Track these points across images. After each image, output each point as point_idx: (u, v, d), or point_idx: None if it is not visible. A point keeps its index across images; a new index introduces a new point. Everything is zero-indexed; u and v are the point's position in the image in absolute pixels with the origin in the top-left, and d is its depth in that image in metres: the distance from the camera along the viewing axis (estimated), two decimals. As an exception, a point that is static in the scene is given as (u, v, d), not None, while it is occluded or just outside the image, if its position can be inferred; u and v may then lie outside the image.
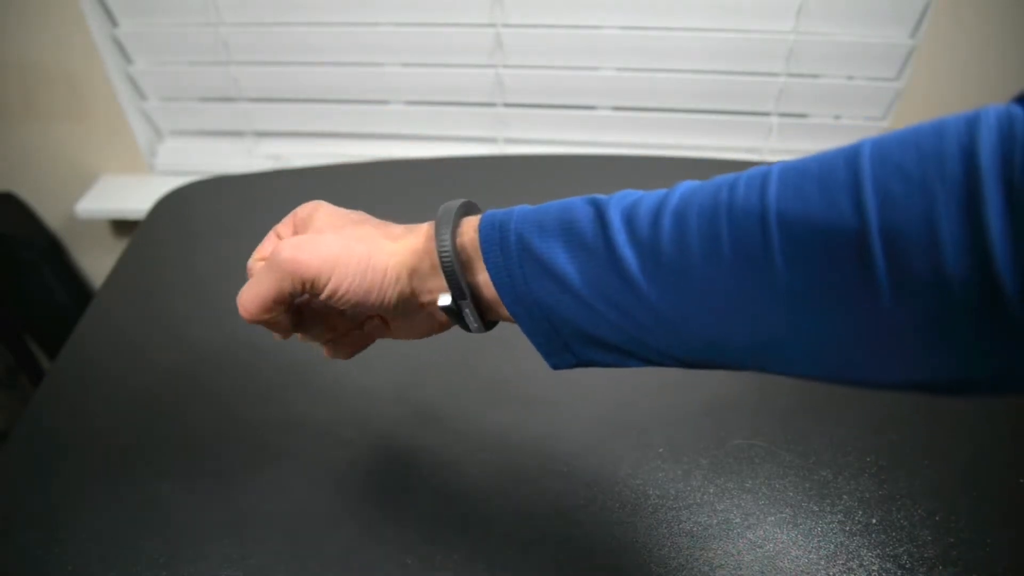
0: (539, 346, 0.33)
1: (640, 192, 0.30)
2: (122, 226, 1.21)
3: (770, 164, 0.26)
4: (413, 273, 0.34)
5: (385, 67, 1.05)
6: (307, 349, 0.45)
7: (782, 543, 0.42)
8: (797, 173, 0.24)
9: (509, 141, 1.12)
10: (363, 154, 1.11)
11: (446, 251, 0.32)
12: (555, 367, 0.34)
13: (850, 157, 0.23)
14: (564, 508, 0.45)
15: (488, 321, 0.35)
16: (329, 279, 0.33)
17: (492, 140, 1.13)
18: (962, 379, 0.23)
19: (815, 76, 0.99)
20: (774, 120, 1.04)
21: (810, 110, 1.04)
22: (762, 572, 0.41)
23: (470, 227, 0.33)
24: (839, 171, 0.23)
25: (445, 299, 0.33)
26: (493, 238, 0.31)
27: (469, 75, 1.04)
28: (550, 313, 0.31)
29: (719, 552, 0.42)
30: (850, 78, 0.99)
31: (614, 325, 0.29)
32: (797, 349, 0.25)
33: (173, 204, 0.79)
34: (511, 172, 0.82)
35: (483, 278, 0.32)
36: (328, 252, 0.33)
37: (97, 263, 1.27)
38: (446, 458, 0.48)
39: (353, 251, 0.33)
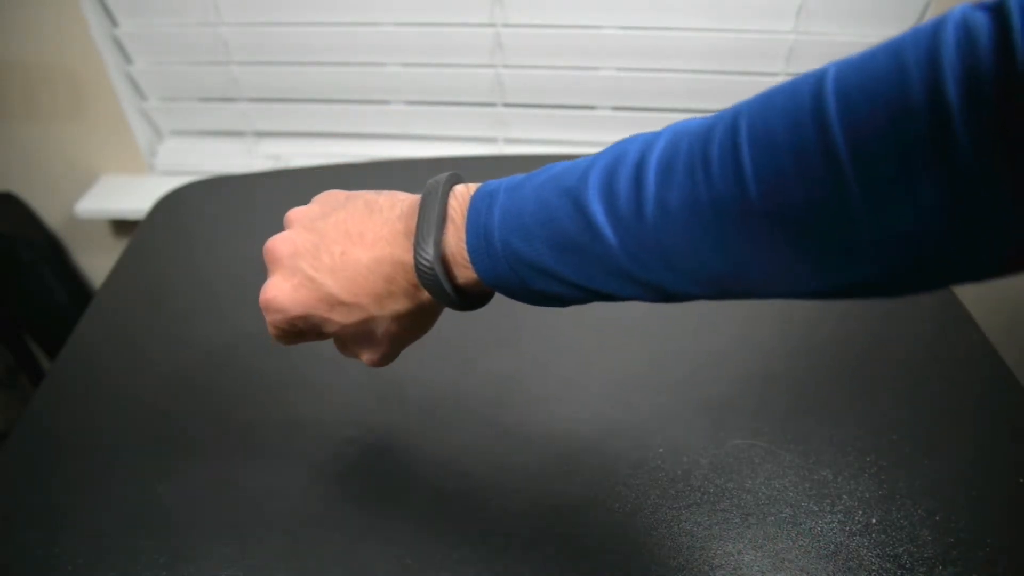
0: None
1: (611, 160, 0.29)
2: (122, 226, 1.21)
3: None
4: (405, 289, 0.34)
5: (385, 67, 1.05)
6: (307, 349, 0.45)
7: (782, 543, 0.42)
8: (768, 146, 0.24)
9: (509, 141, 1.12)
10: (363, 154, 1.11)
11: (428, 266, 0.32)
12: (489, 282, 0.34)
13: (818, 117, 0.23)
14: (564, 508, 0.45)
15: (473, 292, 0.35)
16: (323, 318, 0.35)
17: (492, 140, 1.12)
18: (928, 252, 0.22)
19: (815, 76, 0.99)
20: (774, 120, 1.04)
21: (810, 110, 1.04)
22: (762, 572, 0.41)
23: (454, 238, 0.32)
24: (810, 140, 0.23)
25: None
26: (480, 247, 0.32)
27: (469, 75, 1.04)
28: (548, 296, 0.32)
29: (719, 552, 0.42)
30: (850, 78, 0.99)
31: (586, 277, 0.30)
32: (765, 261, 0.26)
33: (173, 204, 0.79)
34: (511, 172, 0.82)
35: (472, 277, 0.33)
36: (300, 300, 0.35)
37: (97, 263, 1.27)
38: (446, 458, 0.48)
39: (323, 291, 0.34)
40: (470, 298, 0.34)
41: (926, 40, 0.21)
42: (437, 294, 0.33)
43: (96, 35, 1.01)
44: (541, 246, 0.30)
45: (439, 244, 0.32)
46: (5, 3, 0.98)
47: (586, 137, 1.10)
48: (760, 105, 0.25)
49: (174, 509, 0.45)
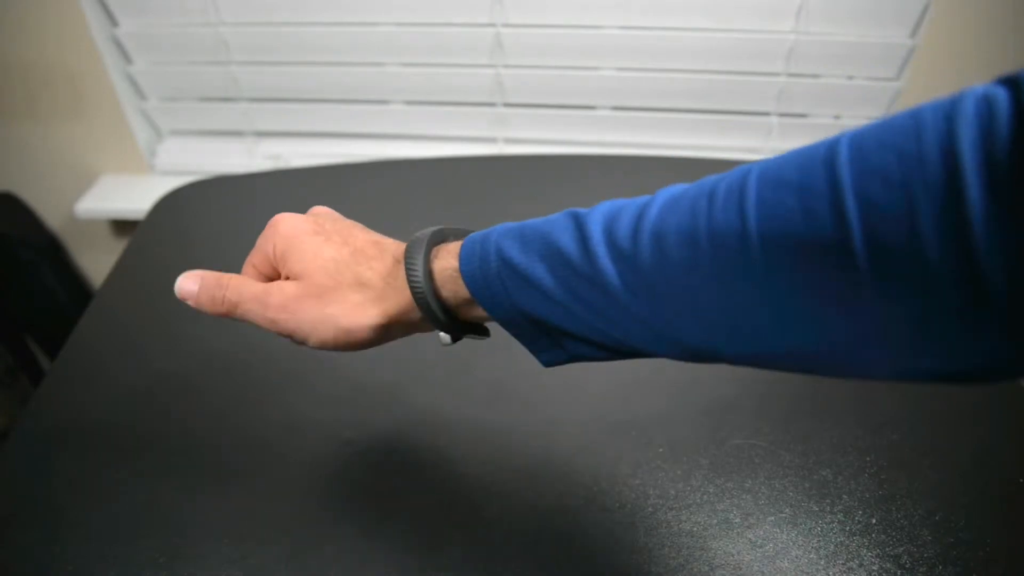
0: (528, 344, 0.33)
1: (621, 201, 0.30)
2: (122, 226, 1.21)
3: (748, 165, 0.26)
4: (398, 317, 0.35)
5: (385, 67, 1.05)
6: (308, 350, 0.45)
7: (782, 543, 0.42)
8: (775, 182, 0.24)
9: (509, 141, 1.12)
10: (363, 154, 1.11)
11: (418, 284, 0.33)
12: (547, 364, 0.34)
13: (828, 161, 0.23)
14: (564, 508, 0.45)
15: (467, 323, 0.36)
16: (308, 339, 0.35)
17: (492, 140, 1.13)
18: (950, 372, 0.23)
19: (815, 76, 0.99)
20: (774, 120, 1.04)
21: (810, 110, 1.04)
22: (762, 572, 0.41)
23: (448, 251, 0.34)
24: (818, 179, 0.23)
25: (445, 338, 0.35)
26: (474, 251, 0.32)
27: (469, 75, 1.04)
28: (534, 317, 0.31)
29: (719, 552, 0.42)
30: (850, 78, 0.99)
31: (599, 331, 0.30)
32: (782, 351, 0.26)
33: (173, 204, 0.79)
34: (511, 172, 0.82)
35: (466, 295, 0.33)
36: (307, 319, 0.35)
37: (97, 263, 1.27)
38: (446, 458, 0.48)
39: (328, 318, 0.34)
40: (453, 319, 0.34)
41: (945, 104, 0.21)
42: (419, 296, 0.33)
43: (96, 35, 1.01)
44: (535, 256, 0.30)
45: (428, 257, 0.33)
46: (5, 3, 0.98)
47: (586, 137, 1.10)
48: (775, 157, 0.25)
49: (174, 509, 0.45)
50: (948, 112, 0.21)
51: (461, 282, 0.32)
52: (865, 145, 0.22)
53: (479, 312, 0.33)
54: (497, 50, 1.01)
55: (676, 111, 1.06)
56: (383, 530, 0.44)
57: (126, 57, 1.07)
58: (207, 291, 0.37)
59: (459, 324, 0.35)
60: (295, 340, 0.36)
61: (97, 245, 1.24)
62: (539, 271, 0.30)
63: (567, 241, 0.29)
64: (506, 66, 1.03)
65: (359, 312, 0.34)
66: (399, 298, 0.34)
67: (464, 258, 0.32)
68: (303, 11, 1.00)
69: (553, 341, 0.32)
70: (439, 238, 0.34)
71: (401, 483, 0.47)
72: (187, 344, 0.58)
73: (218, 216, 0.76)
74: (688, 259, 0.26)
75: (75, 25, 1.00)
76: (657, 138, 1.09)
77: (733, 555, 0.42)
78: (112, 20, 1.04)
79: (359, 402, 0.52)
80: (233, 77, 1.07)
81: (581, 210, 0.30)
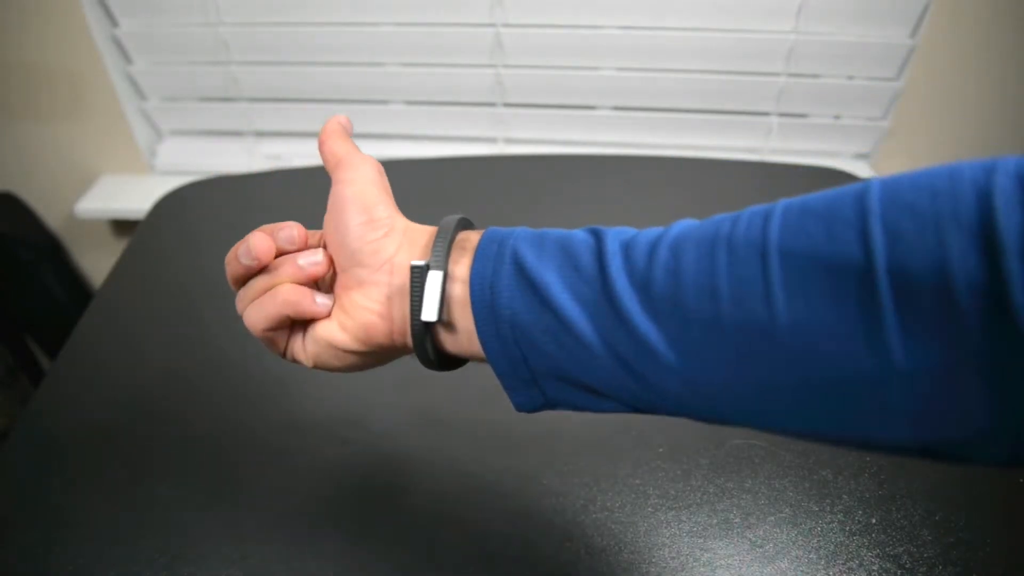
0: (504, 376, 0.30)
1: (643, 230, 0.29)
2: (122, 226, 1.21)
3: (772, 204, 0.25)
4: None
5: (385, 67, 1.05)
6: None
7: (782, 543, 0.42)
8: (801, 210, 0.24)
9: (509, 141, 1.12)
10: (363, 154, 1.11)
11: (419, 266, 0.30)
12: (519, 407, 0.31)
13: (858, 194, 0.22)
14: (564, 508, 0.45)
15: (446, 356, 0.32)
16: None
17: (492, 140, 1.13)
18: (976, 437, 0.21)
19: (815, 76, 0.99)
20: (774, 120, 1.04)
21: (810, 110, 1.04)
22: (762, 572, 0.41)
23: (459, 255, 0.31)
24: (846, 208, 0.22)
25: (430, 312, 0.30)
26: (489, 252, 0.30)
27: (469, 75, 1.04)
28: (523, 335, 0.28)
29: (719, 552, 0.42)
30: (850, 78, 0.99)
31: (594, 357, 0.27)
32: (789, 397, 0.24)
33: (173, 204, 0.79)
34: (511, 172, 0.82)
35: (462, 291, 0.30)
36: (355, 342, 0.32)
37: (97, 263, 1.27)
38: (446, 458, 0.48)
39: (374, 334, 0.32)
40: (452, 329, 0.31)
41: (985, 161, 0.21)
42: (415, 286, 0.30)
43: (96, 35, 1.01)
44: (549, 263, 0.28)
45: (444, 258, 0.30)
46: (5, 3, 0.98)
47: (586, 137, 1.10)
48: (802, 196, 0.25)
49: (174, 509, 0.45)
50: (986, 165, 0.20)
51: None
52: (898, 184, 0.22)
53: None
54: (497, 50, 1.01)
55: (676, 111, 1.06)
56: (383, 530, 0.44)
57: (126, 57, 1.07)
58: None
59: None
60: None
61: (97, 245, 1.24)
62: (549, 277, 0.28)
63: (583, 251, 0.28)
64: (506, 66, 1.03)
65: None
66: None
67: (479, 252, 0.30)
68: (303, 11, 1.00)
69: (532, 376, 0.29)
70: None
71: (401, 483, 0.47)
72: (187, 344, 0.58)
73: (218, 216, 0.76)
74: (703, 274, 0.25)
75: (75, 25, 1.00)
76: (657, 138, 1.09)
77: (733, 555, 0.42)
78: (112, 20, 1.04)
79: (359, 402, 0.52)
80: (233, 77, 1.07)
81: (602, 227, 0.29)
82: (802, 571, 0.41)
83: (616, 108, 1.08)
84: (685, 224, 0.27)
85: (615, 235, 0.28)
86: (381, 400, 0.52)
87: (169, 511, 0.45)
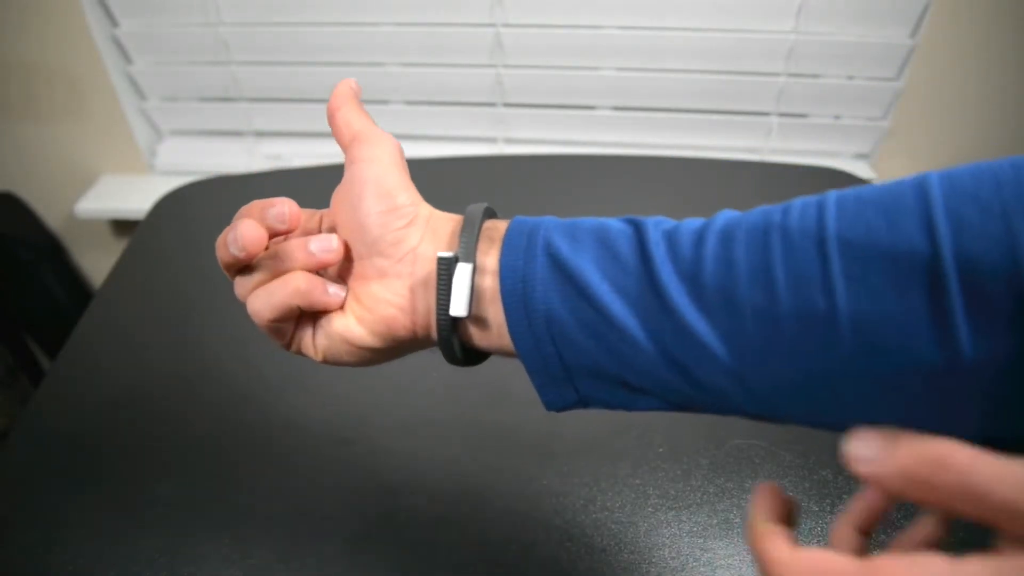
0: (535, 373, 0.29)
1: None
2: (122, 226, 1.21)
3: (820, 196, 0.24)
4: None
5: (385, 67, 1.05)
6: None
7: (782, 543, 0.42)
8: (856, 199, 0.23)
9: (509, 141, 1.12)
10: (363, 154, 1.11)
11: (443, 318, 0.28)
12: (549, 405, 0.30)
13: (916, 185, 0.22)
14: (564, 508, 0.45)
15: (473, 351, 0.31)
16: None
17: (492, 140, 1.13)
18: None
19: (815, 76, 0.99)
20: (774, 120, 1.04)
21: (810, 110, 1.04)
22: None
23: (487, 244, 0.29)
24: (905, 197, 0.22)
25: (458, 307, 0.28)
26: (519, 244, 0.28)
27: (469, 75, 1.04)
28: (558, 330, 0.27)
29: (719, 552, 0.42)
30: (850, 78, 0.99)
31: (637, 352, 0.25)
32: (849, 391, 0.23)
33: (173, 204, 0.79)
34: (511, 172, 0.82)
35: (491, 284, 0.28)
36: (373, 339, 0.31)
37: (97, 263, 1.27)
38: (445, 458, 0.48)
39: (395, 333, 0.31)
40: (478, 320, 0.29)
41: None
42: (443, 284, 0.28)
43: (96, 35, 1.01)
44: (586, 253, 0.27)
45: (472, 250, 0.28)
46: (5, 3, 0.98)
47: (586, 137, 1.10)
48: (853, 187, 0.24)
49: (174, 509, 0.45)
50: None
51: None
52: (957, 175, 0.21)
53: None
54: (497, 50, 1.01)
55: (676, 111, 1.06)
56: (383, 530, 0.44)
57: (126, 57, 1.07)
58: None
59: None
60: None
61: (97, 245, 1.24)
62: (587, 268, 0.26)
63: (622, 241, 0.26)
64: (506, 66, 1.03)
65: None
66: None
67: (506, 251, 0.28)
68: (303, 11, 1.00)
69: (567, 373, 0.28)
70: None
71: (401, 483, 0.47)
72: (187, 344, 0.58)
73: (218, 216, 0.76)
74: (757, 265, 0.23)
75: (75, 25, 1.00)
76: (657, 138, 1.09)
77: (733, 555, 0.42)
78: (112, 20, 1.04)
79: (359, 402, 0.52)
80: (233, 77, 1.07)
81: (638, 217, 0.27)
82: (802, 571, 0.41)
83: (616, 108, 1.08)
84: (729, 214, 0.26)
85: (655, 224, 0.27)
86: (381, 400, 0.52)
87: (169, 511, 0.45)
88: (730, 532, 0.43)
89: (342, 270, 0.32)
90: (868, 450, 0.22)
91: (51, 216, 1.21)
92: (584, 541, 0.43)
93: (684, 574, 0.41)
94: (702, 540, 0.43)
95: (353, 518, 0.44)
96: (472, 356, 0.31)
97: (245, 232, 0.30)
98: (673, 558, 0.42)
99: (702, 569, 0.41)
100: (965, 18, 0.91)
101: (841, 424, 0.24)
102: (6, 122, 1.11)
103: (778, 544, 0.23)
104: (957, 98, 0.98)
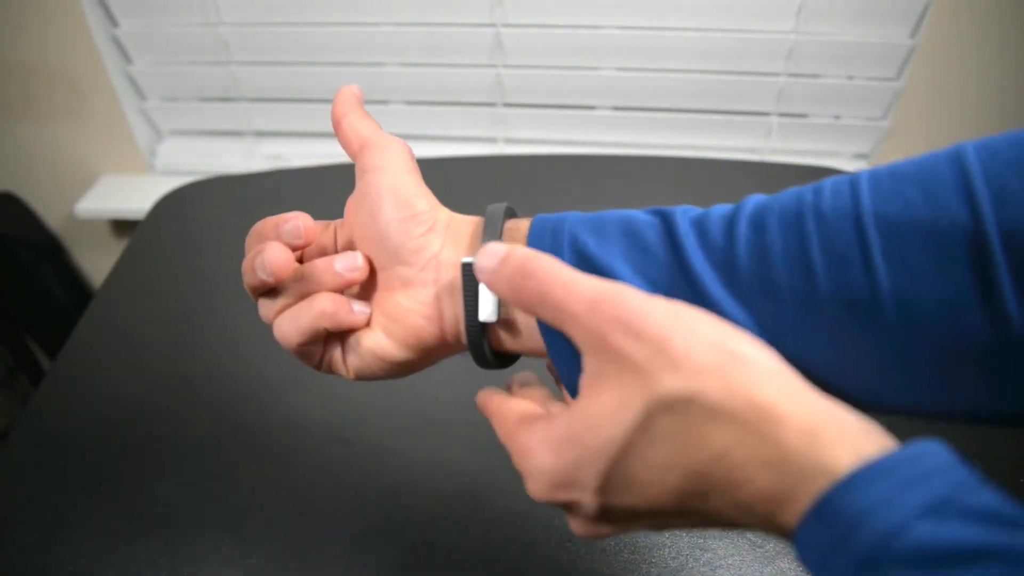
0: (568, 375, 0.27)
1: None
2: (122, 226, 1.21)
3: (831, 175, 0.24)
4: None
5: (385, 67, 1.05)
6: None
7: (782, 543, 0.42)
8: (891, 175, 0.22)
9: (509, 141, 1.12)
10: (363, 154, 1.11)
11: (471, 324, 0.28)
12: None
13: (952, 156, 0.21)
14: (564, 508, 0.45)
15: (502, 353, 0.30)
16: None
17: (492, 140, 1.13)
18: None
19: (815, 76, 0.99)
20: (774, 120, 1.04)
21: (810, 110, 1.04)
22: (762, 572, 0.41)
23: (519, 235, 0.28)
24: (940, 169, 0.21)
25: (487, 312, 0.27)
26: (544, 242, 0.27)
27: (469, 75, 1.04)
28: None
29: (719, 552, 0.42)
30: (850, 78, 0.99)
31: None
32: (895, 373, 0.22)
33: (173, 204, 0.79)
34: (511, 172, 0.82)
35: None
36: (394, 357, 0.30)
37: (97, 263, 1.27)
38: (445, 458, 0.48)
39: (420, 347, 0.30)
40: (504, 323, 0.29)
41: None
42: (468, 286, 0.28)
43: (96, 35, 1.01)
44: (614, 247, 0.26)
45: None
46: (5, 3, 0.98)
47: (586, 137, 1.10)
48: (887, 163, 0.24)
49: (174, 509, 0.45)
50: None
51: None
52: (994, 143, 0.21)
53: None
54: (497, 50, 1.01)
55: (676, 111, 1.06)
56: (383, 530, 0.44)
57: (126, 57, 1.07)
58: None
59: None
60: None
61: (97, 245, 1.24)
62: (617, 263, 0.26)
63: (649, 232, 0.26)
64: (506, 66, 1.03)
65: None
66: None
67: (533, 233, 0.28)
68: (303, 11, 1.00)
69: None
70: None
71: (401, 483, 0.47)
72: (187, 344, 0.58)
73: (218, 216, 0.76)
74: (793, 249, 0.23)
75: (75, 25, 1.00)
76: (657, 138, 1.09)
77: (733, 555, 0.42)
78: (112, 20, 1.04)
79: (359, 402, 0.52)
80: (233, 77, 1.07)
81: (663, 207, 0.27)
82: (803, 571, 0.41)
83: (616, 108, 1.08)
84: (758, 198, 0.25)
85: (682, 213, 0.26)
86: (381, 400, 0.52)
87: (169, 511, 0.45)
88: (730, 532, 0.43)
89: (364, 283, 0.31)
90: (489, 261, 0.25)
91: (51, 216, 1.21)
92: (584, 541, 0.43)
93: (684, 574, 0.41)
94: (702, 540, 0.43)
95: (353, 518, 0.44)
96: (503, 358, 0.31)
97: (272, 257, 0.28)
98: (673, 558, 0.42)
99: (702, 569, 0.41)
100: (965, 18, 0.91)
101: (887, 407, 0.23)
102: (6, 122, 1.11)
103: (494, 398, 0.28)
104: (957, 98, 0.98)
